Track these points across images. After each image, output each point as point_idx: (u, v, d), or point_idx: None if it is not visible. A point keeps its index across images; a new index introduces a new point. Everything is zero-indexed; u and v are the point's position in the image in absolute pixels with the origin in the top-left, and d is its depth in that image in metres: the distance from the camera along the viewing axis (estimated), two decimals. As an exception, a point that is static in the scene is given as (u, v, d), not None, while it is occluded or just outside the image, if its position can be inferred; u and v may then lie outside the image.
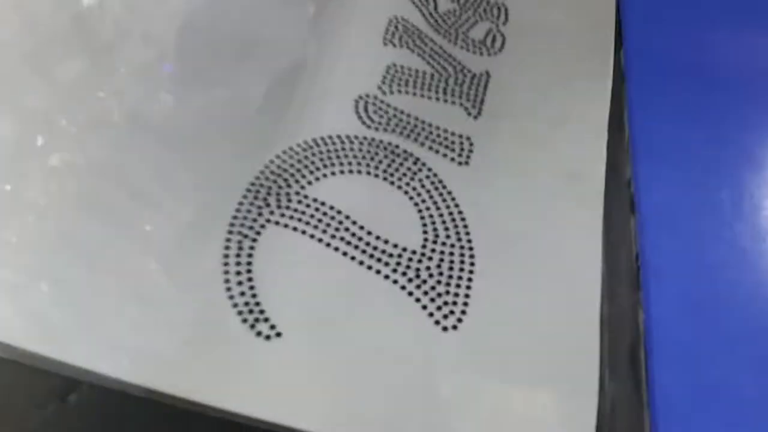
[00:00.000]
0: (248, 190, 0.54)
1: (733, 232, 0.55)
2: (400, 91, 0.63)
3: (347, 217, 0.53)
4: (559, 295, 0.49)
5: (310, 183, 0.55)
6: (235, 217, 0.52)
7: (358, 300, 0.48)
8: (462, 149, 0.59)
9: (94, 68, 0.57)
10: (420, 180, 0.56)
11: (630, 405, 0.44)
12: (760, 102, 0.68)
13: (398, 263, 0.50)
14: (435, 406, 0.43)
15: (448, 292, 0.49)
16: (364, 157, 0.57)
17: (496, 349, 0.46)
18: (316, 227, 0.52)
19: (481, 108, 0.63)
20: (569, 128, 0.61)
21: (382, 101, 0.62)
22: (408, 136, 0.59)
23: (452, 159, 0.58)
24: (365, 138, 0.58)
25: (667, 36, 0.74)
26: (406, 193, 0.55)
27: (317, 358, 0.44)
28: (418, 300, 0.48)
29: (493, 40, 0.70)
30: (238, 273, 0.48)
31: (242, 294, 0.47)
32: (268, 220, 0.52)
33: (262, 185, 0.54)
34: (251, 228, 0.51)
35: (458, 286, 0.49)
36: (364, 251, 0.50)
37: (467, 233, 0.53)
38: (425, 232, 0.52)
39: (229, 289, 0.47)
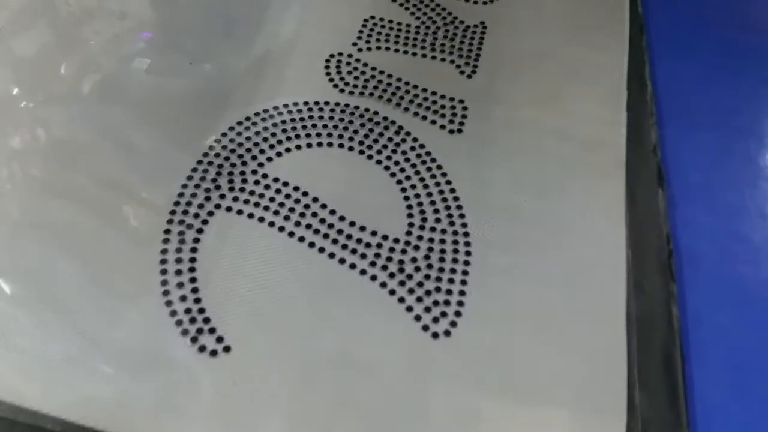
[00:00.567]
0: (194, 170, 0.45)
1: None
2: (379, 48, 0.55)
3: (315, 200, 0.44)
4: (575, 290, 0.40)
5: (270, 159, 0.46)
6: (176, 203, 0.43)
7: (328, 302, 0.39)
8: (454, 114, 0.49)
9: (59, 43, 0.52)
10: (404, 152, 0.47)
11: (666, 426, 0.36)
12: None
13: (378, 255, 0.41)
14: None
15: (438, 290, 0.40)
16: (336, 127, 0.48)
17: (498, 361, 0.38)
18: (276, 213, 0.43)
19: (476, 65, 0.54)
20: (581, 86, 0.53)
21: (358, 60, 0.53)
22: (389, 100, 0.50)
23: (442, 126, 0.49)
24: (338, 104, 0.50)
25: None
26: (387, 168, 0.46)
27: (275, 378, 0.36)
28: (402, 300, 0.39)
29: (489, -14, 0.60)
30: (179, 272, 0.39)
31: (183, 299, 0.38)
32: (218, 206, 0.43)
33: (210, 163, 0.45)
34: (196, 216, 0.42)
35: (451, 281, 0.40)
36: (335, 241, 0.42)
37: (461, 216, 0.44)
38: (410, 216, 0.43)
39: (166, 293, 0.38)
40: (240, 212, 0.43)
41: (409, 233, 0.43)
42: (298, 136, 0.47)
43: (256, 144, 0.47)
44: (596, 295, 0.41)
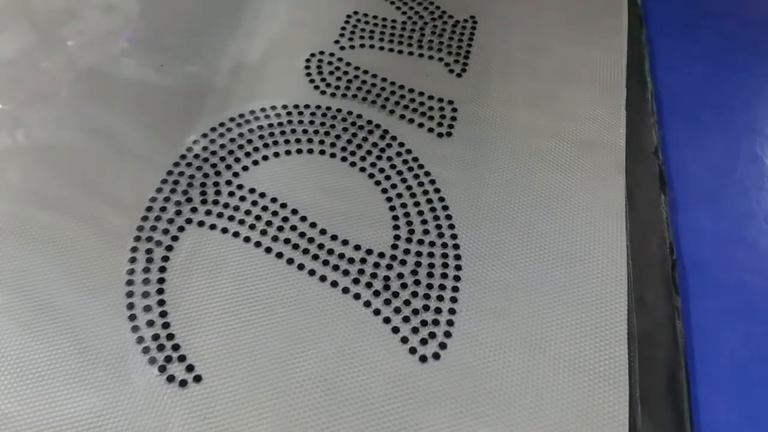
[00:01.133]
0: (163, 182, 0.42)
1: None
2: (363, 46, 0.52)
3: (294, 212, 0.41)
4: (572, 306, 0.38)
5: (245, 168, 0.43)
6: (144, 218, 0.40)
7: (308, 324, 0.36)
8: (443, 117, 0.47)
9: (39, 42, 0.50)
10: (389, 158, 0.44)
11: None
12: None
13: (361, 271, 0.38)
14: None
15: (427, 308, 0.37)
16: (316, 132, 0.45)
17: (491, 385, 0.35)
18: (252, 227, 0.40)
19: (467, 63, 0.51)
20: (577, 84, 0.50)
21: (340, 59, 0.50)
22: (373, 102, 0.48)
23: (430, 130, 0.46)
24: (318, 107, 0.47)
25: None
26: (371, 176, 0.43)
27: (249, 410, 0.33)
28: (387, 320, 0.37)
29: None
30: (146, 294, 0.36)
31: (150, 324, 0.35)
32: (189, 220, 0.40)
33: (182, 174, 0.42)
34: (165, 232, 0.39)
35: (440, 298, 0.38)
36: (316, 257, 0.39)
37: (451, 226, 0.41)
38: (396, 228, 0.41)
39: (133, 317, 0.35)
40: (213, 227, 0.40)
41: (395, 246, 0.40)
42: (275, 143, 0.44)
43: (231, 152, 0.44)
44: (595, 311, 0.38)
